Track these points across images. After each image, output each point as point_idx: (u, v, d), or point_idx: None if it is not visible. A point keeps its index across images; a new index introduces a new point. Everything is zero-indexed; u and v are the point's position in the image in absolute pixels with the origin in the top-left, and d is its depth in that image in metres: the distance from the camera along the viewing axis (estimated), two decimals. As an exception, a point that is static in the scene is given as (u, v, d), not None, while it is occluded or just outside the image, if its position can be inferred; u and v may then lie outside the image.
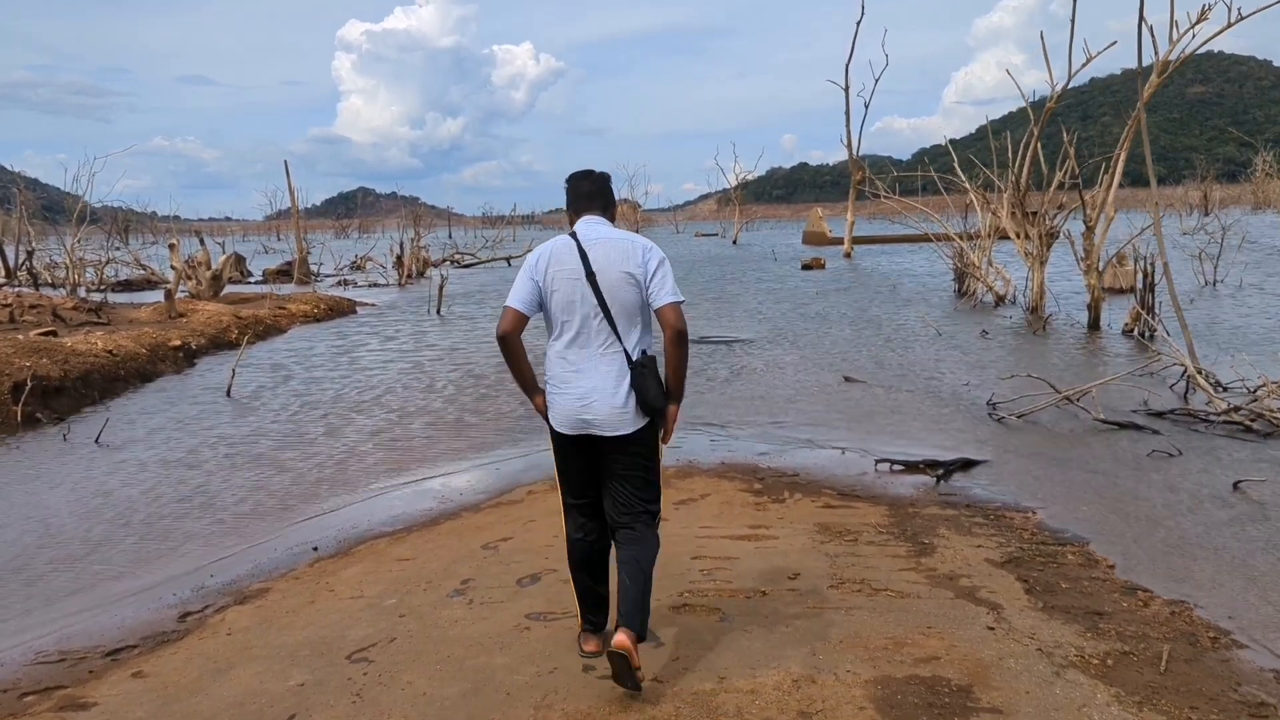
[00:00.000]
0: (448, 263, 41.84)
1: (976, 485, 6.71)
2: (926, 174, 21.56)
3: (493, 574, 5.04)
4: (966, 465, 7.18)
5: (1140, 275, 13.51)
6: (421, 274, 32.41)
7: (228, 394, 11.24)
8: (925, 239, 26.41)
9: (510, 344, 3.67)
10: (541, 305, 3.69)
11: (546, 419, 3.78)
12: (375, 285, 29.88)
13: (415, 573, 5.16)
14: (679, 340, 3.60)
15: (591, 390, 3.61)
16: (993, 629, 4.12)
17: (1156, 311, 13.50)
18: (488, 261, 41.22)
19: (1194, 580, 4.84)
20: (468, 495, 6.89)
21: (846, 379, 11.09)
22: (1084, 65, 16.77)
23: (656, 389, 3.63)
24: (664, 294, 3.59)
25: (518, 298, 3.65)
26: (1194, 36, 13.12)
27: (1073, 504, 6.19)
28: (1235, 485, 6.41)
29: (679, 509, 6.18)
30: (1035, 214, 17.53)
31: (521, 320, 3.66)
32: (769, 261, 35.38)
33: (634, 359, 3.63)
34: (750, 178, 68.81)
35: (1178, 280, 18.07)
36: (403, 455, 8.25)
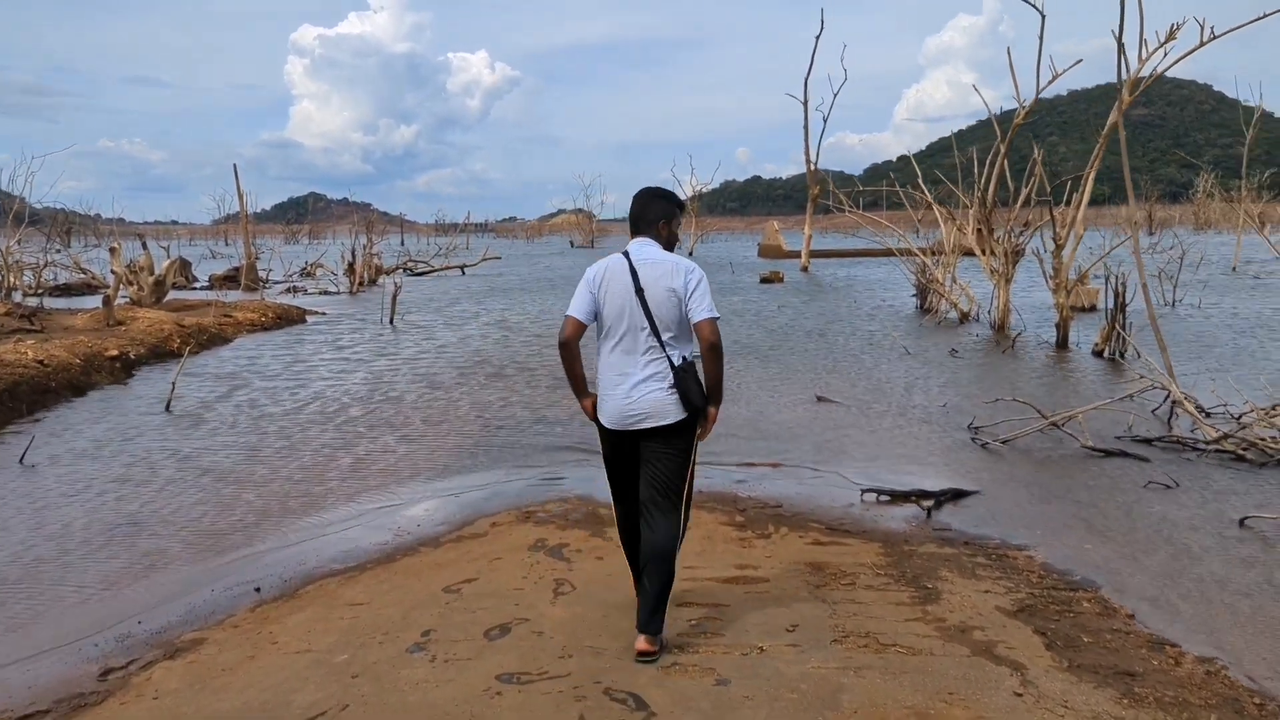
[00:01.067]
0: (400, 270, 41.02)
1: (970, 518, 6.33)
2: (892, 188, 21.31)
3: (457, 624, 4.53)
4: (957, 496, 6.80)
5: (1111, 294, 13.32)
6: (374, 282, 31.65)
7: (167, 409, 10.56)
8: (887, 253, 26.33)
9: (570, 350, 4.17)
10: (596, 315, 4.19)
11: (595, 419, 4.27)
12: (326, 293, 29.08)
13: (370, 621, 4.63)
14: (714, 351, 4.07)
15: (638, 388, 4.08)
16: (1020, 695, 3.71)
17: (1128, 331, 13.33)
18: (441, 270, 40.48)
19: (1220, 632, 4.48)
20: (426, 527, 6.36)
21: (820, 398, 10.71)
22: (1051, 81, 16.71)
23: (697, 389, 4.08)
24: (700, 310, 4.06)
25: (578, 308, 4.17)
26: (1165, 54, 13.00)
27: (1075, 541, 5.83)
28: (1241, 522, 6.09)
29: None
30: (1003, 231, 17.38)
31: (581, 328, 4.17)
32: (726, 274, 35.08)
33: (676, 364, 4.07)
34: (705, 190, 68.73)
35: (1140, 300, 17.98)
36: (356, 478, 7.69)
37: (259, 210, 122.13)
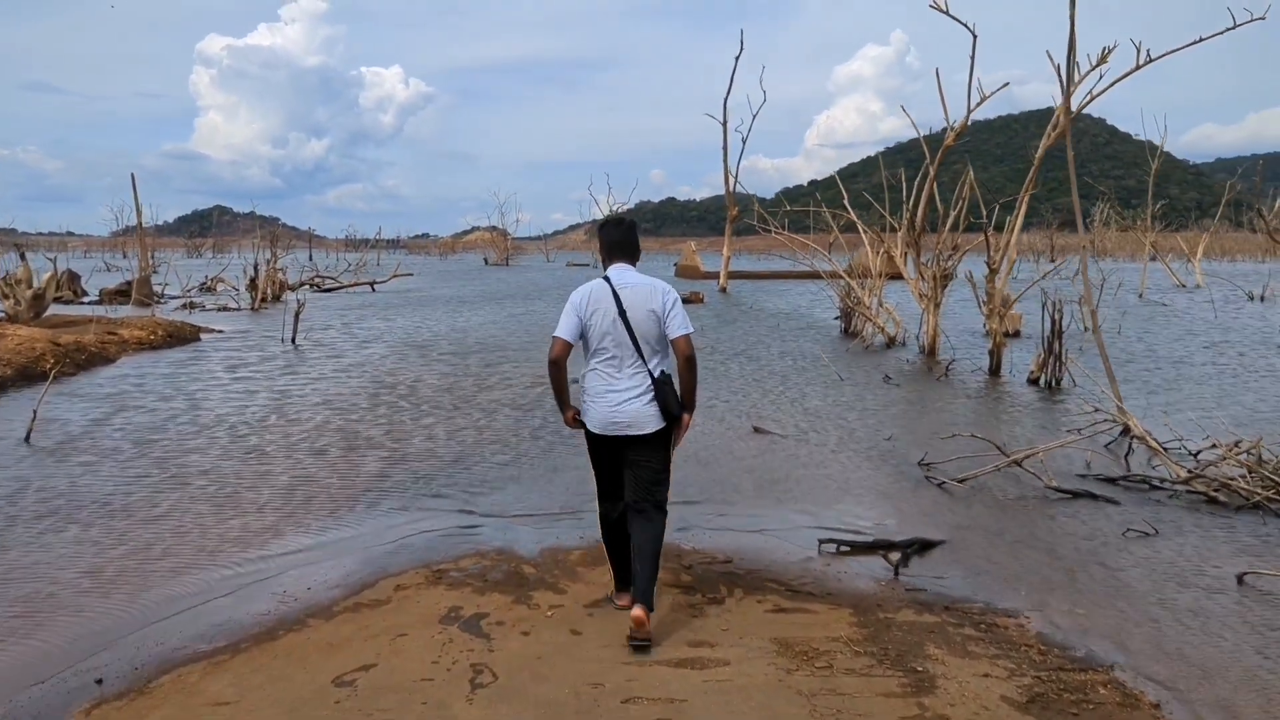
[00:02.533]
0: (306, 286, 39.37)
1: (943, 575, 5.62)
2: (818, 208, 20.87)
3: (349, 733, 3.60)
4: (924, 547, 6.10)
5: (1047, 320, 12.95)
6: (277, 298, 30.07)
7: (26, 440, 9.31)
8: (806, 275, 25.99)
9: (559, 368, 4.59)
10: (582, 335, 4.62)
11: (580, 427, 4.75)
12: (226, 309, 27.45)
13: (237, 729, 3.68)
14: (690, 363, 4.57)
15: (623, 399, 4.56)
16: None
17: (1064, 359, 12.97)
18: (350, 286, 38.95)
19: (1260, 724, 3.82)
20: (318, 591, 5.37)
21: (756, 429, 9.99)
22: (980, 103, 16.34)
23: (674, 399, 4.58)
24: (677, 327, 4.54)
25: (565, 330, 4.57)
26: (1100, 77, 12.73)
27: (1066, 604, 5.16)
28: (1240, 578, 5.51)
29: (592, 615, 4.87)
30: (931, 255, 17.02)
31: (568, 348, 4.59)
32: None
33: (655, 377, 4.56)
34: (621, 209, 68.21)
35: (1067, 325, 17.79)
36: (239, 525, 6.64)
37: (161, 223, 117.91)
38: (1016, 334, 19.46)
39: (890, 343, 18.30)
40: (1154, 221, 46.63)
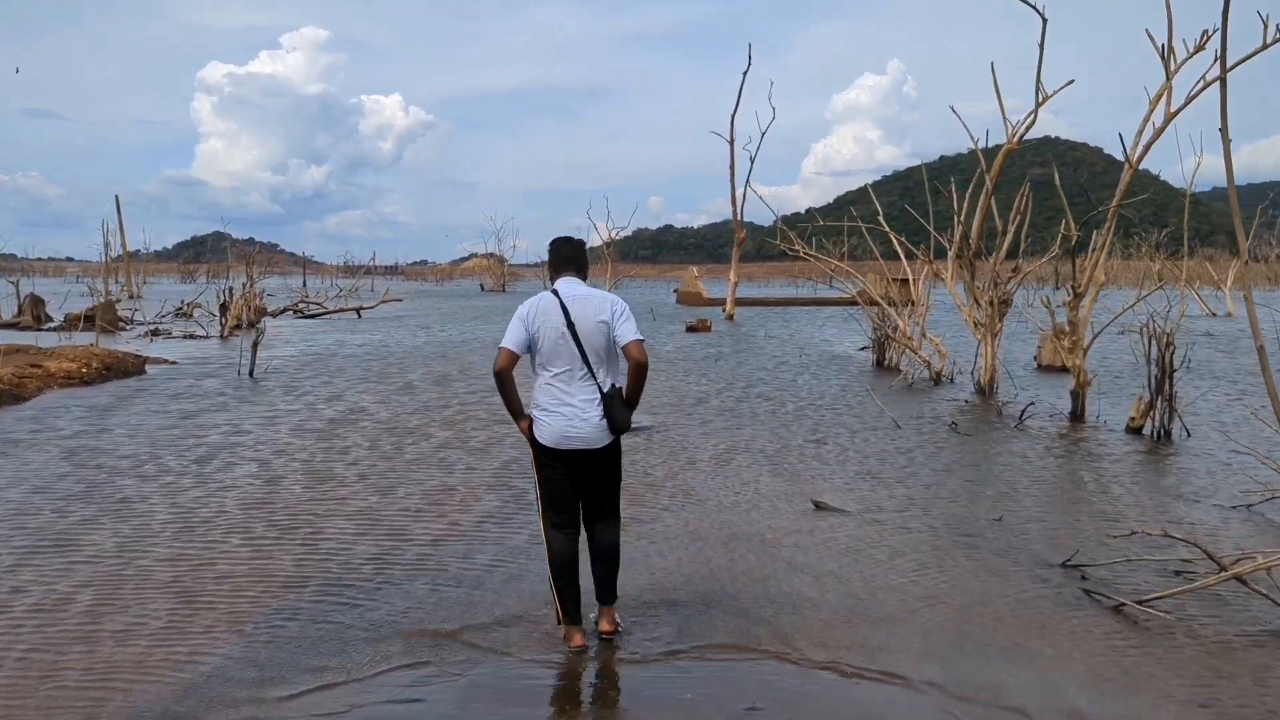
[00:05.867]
0: (290, 312, 37.03)
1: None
2: (854, 223, 18.60)
3: None
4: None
5: (1154, 357, 10.60)
6: (254, 324, 27.67)
7: None
8: (820, 302, 23.85)
9: (504, 379, 4.55)
10: (530, 347, 4.58)
11: (531, 438, 4.64)
12: (192, 337, 25.12)
13: None
14: (640, 370, 4.53)
15: (575, 414, 4.54)
16: None
17: (1174, 404, 10.62)
18: (335, 312, 36.59)
19: None
20: None
21: (816, 505, 7.60)
22: (1044, 101, 14.05)
23: (623, 414, 4.58)
24: (627, 334, 4.49)
25: (512, 340, 4.55)
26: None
27: None
28: None
29: None
30: (987, 279, 14.73)
31: (514, 359, 4.55)
32: (649, 320, 32.13)
33: (604, 390, 4.56)
34: (620, 236, 66.19)
35: (1119, 359, 15.50)
36: (99, 683, 4.26)
37: (159, 248, 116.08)
38: (1073, 368, 17.15)
39: (936, 379, 15.95)
40: (1157, 249, 44.62)
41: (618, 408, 4.55)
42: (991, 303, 14.68)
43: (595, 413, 4.52)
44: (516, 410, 4.66)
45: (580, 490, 4.69)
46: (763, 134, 39.79)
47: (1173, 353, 10.54)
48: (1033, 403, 12.37)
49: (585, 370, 4.52)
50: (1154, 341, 10.69)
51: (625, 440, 4.96)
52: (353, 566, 6.02)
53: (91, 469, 8.74)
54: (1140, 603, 5.21)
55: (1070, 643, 4.86)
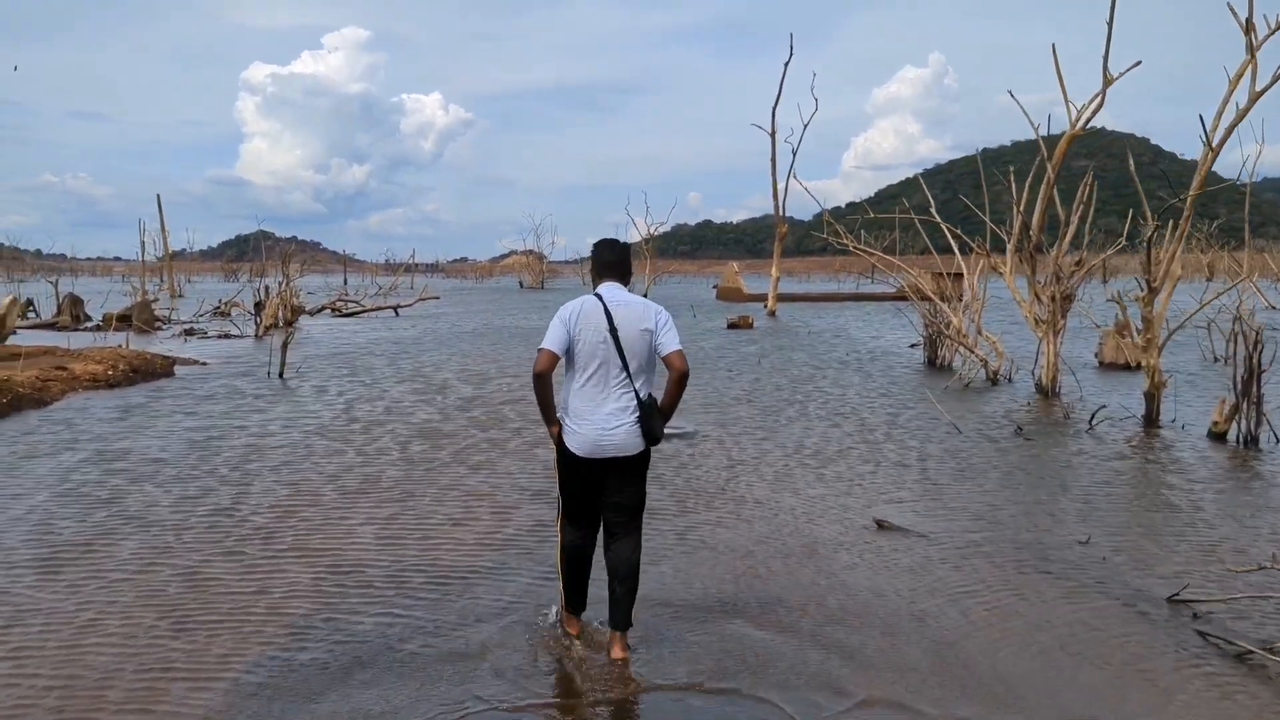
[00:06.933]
0: (327, 310, 36.83)
1: None
2: (905, 214, 17.81)
3: None
4: None
5: (1242, 355, 9.75)
6: (291, 323, 27.38)
7: None
8: (879, 297, 23.00)
9: (544, 381, 4.46)
10: (568, 350, 4.47)
11: (560, 445, 4.53)
12: (227, 336, 24.86)
13: None
14: (682, 379, 4.47)
15: (609, 421, 4.44)
16: None
17: (1263, 408, 9.78)
18: (372, 310, 36.30)
19: None
20: None
21: (880, 524, 6.91)
22: (1111, 83, 13.20)
23: (659, 423, 4.51)
24: (670, 344, 4.48)
25: (553, 342, 4.43)
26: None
27: None
28: None
29: None
30: (1049, 274, 13.90)
31: (555, 360, 4.44)
32: (689, 317, 31.42)
33: (641, 398, 4.47)
34: (659, 231, 65.50)
35: (1180, 355, 14.41)
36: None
37: (205, 248, 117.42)
38: (1137, 366, 16.24)
39: (994, 379, 15.13)
40: (1210, 239, 43.10)
41: (654, 417, 4.48)
42: (1054, 298, 13.85)
43: (629, 419, 4.44)
44: (551, 415, 4.56)
45: (604, 498, 4.60)
46: (805, 125, 39.58)
47: (1261, 351, 9.70)
48: (1104, 405, 11.50)
49: (623, 376, 4.45)
50: (1240, 340, 9.85)
51: (669, 446, 4.61)
52: (380, 589, 5.44)
53: (96, 481, 8.27)
54: (1272, 650, 4.47)
55: (1190, 700, 4.15)
